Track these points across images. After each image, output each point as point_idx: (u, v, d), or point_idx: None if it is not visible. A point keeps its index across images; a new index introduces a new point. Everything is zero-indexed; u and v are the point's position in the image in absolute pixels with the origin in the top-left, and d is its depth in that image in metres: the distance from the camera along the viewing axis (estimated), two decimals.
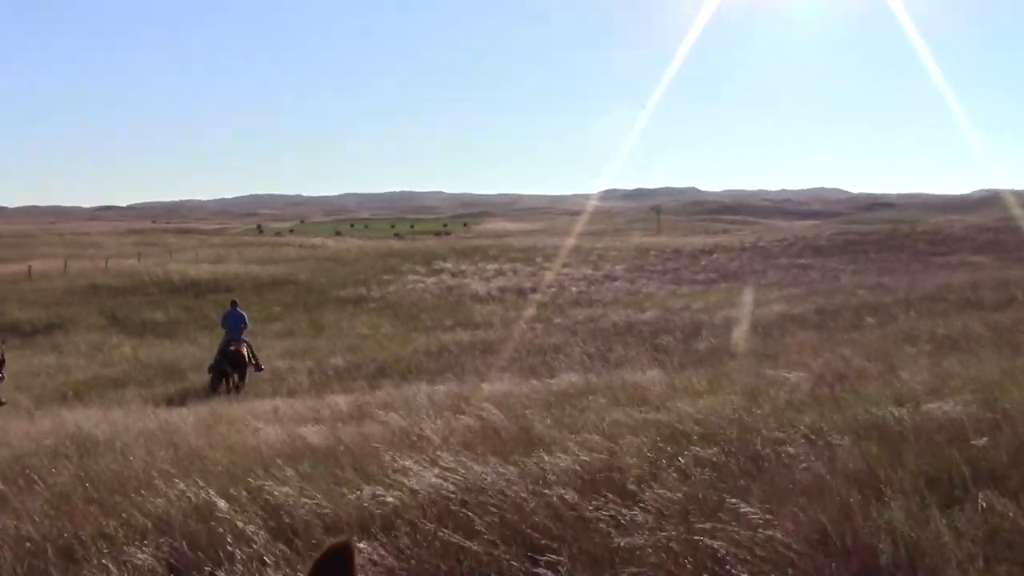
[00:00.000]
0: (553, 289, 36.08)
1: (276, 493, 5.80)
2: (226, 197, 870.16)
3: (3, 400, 16.89)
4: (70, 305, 32.53)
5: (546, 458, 6.06)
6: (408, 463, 6.20)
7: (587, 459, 6.00)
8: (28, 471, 7.57)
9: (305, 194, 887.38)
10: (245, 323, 20.46)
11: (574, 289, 35.46)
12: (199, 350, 23.45)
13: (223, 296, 33.64)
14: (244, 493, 5.96)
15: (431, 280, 40.01)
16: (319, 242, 73.38)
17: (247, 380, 18.58)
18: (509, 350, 20.20)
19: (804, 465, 5.56)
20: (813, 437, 6.20)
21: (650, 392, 10.75)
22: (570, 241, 67.54)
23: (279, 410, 11.57)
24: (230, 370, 18.35)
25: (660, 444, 6.36)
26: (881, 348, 12.91)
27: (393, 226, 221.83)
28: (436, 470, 5.96)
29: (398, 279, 40.48)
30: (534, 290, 36.29)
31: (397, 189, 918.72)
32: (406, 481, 5.78)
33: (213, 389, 18.00)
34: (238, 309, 20.85)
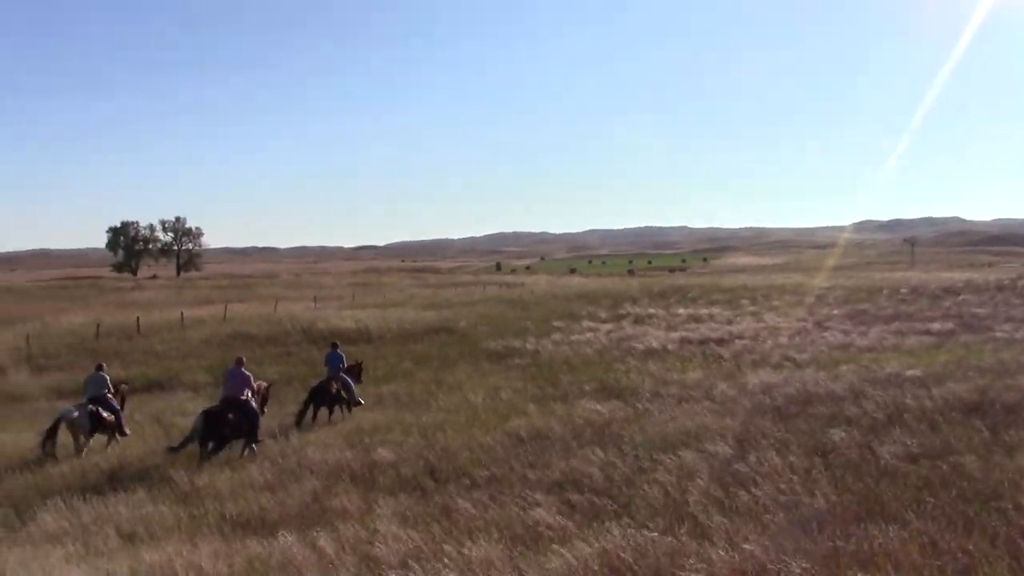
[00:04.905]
0: (745, 341, 29.61)
1: None
2: (475, 235, 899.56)
3: (127, 432, 18.64)
4: (187, 359, 29.62)
5: None
6: None
7: None
8: None
9: (551, 231, 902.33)
10: (343, 363, 21.51)
11: (770, 342, 28.80)
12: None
13: (362, 348, 29.90)
14: None
15: (605, 328, 34.46)
16: (520, 280, 69.48)
17: (342, 414, 20.44)
18: (625, 442, 14.59)
19: None
20: None
21: None
22: (797, 279, 60.00)
23: None
24: (314, 404, 19.84)
25: None
26: None
27: (630, 262, 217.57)
28: None
29: (570, 326, 35.27)
30: (722, 342, 29.97)
31: (642, 225, 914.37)
32: None
33: (296, 423, 19.17)
34: (338, 351, 21.92)
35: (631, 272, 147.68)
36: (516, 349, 30.14)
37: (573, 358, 27.92)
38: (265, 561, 8.55)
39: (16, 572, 8.76)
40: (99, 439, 18.21)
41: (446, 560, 7.92)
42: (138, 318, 38.35)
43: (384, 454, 15.05)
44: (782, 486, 10.67)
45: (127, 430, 18.82)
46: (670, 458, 12.84)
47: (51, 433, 17.13)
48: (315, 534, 9.52)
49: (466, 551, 8.16)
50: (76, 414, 17.66)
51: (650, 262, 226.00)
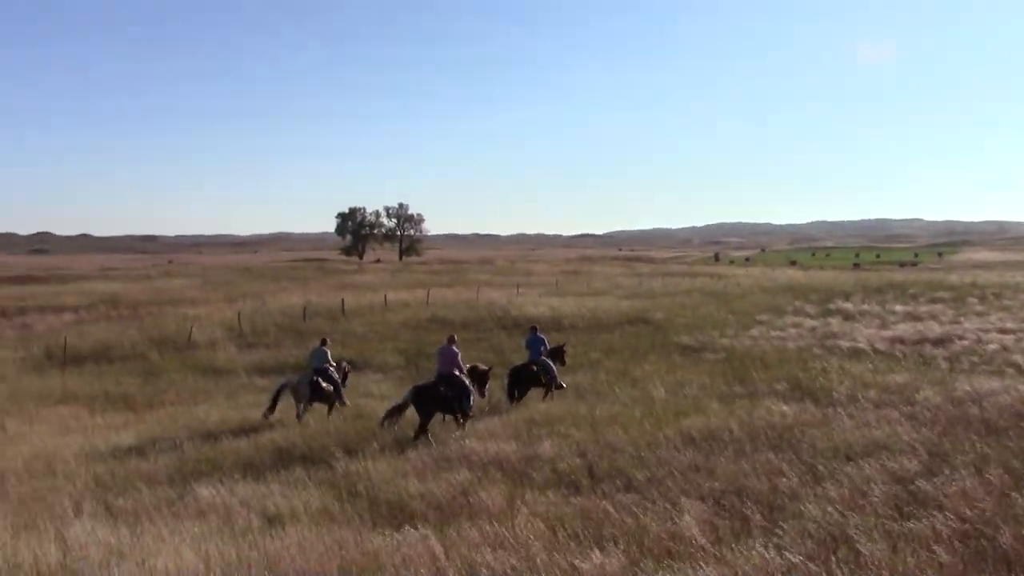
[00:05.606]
0: (965, 343, 27.13)
1: None
2: (695, 226, 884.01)
3: (347, 403, 20.15)
4: (383, 341, 30.32)
5: None
6: None
7: None
8: None
9: (774, 222, 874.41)
10: (545, 346, 21.93)
11: (993, 345, 26.22)
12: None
13: (551, 336, 29.59)
14: None
15: (810, 324, 32.57)
16: (729, 272, 67.24)
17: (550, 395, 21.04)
18: (804, 448, 13.50)
19: None
20: None
21: None
22: None
23: None
24: (518, 387, 20.35)
25: None
26: None
27: (857, 255, 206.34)
28: None
29: (772, 321, 33.58)
30: (939, 343, 27.61)
31: (871, 217, 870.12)
32: None
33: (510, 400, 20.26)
34: (539, 334, 22.23)
35: (856, 266, 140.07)
36: (711, 343, 28.94)
37: (770, 354, 26.44)
38: (375, 557, 8.21)
39: (146, 547, 8.82)
40: (242, 417, 19.19)
41: (556, 571, 7.29)
42: (343, 300, 39.84)
43: (546, 447, 14.56)
44: (968, 512, 9.36)
45: (347, 400, 20.30)
46: (847, 470, 11.69)
47: (274, 399, 19.00)
48: (423, 532, 9.15)
49: (579, 563, 7.52)
50: (297, 382, 19.36)
51: (878, 256, 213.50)
